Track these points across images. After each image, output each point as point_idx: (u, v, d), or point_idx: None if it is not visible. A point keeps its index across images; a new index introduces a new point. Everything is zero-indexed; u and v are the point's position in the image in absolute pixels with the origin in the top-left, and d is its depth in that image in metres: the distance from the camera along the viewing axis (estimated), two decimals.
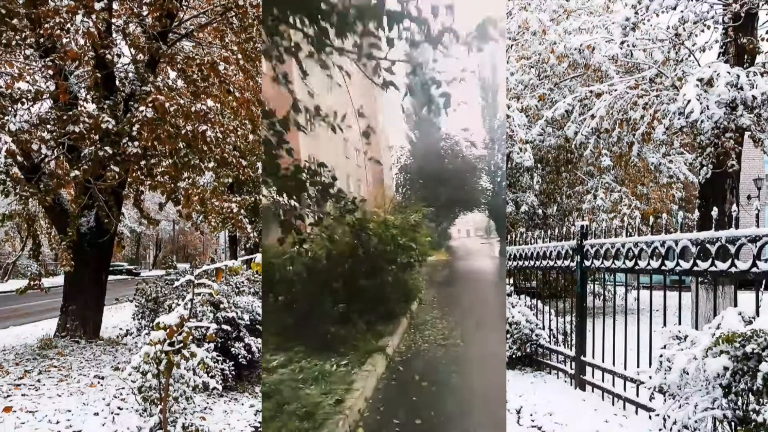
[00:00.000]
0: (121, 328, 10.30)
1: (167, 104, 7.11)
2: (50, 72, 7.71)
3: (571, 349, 6.70)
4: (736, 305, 4.44)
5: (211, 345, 5.51)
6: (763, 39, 9.26)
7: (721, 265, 4.23)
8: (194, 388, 4.15)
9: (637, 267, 5.23)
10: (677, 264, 4.70)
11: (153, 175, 8.22)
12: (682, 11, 8.76)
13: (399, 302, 7.10)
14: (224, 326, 6.33)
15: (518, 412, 5.51)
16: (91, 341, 9.26)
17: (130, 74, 8.94)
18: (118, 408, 5.46)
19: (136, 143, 7.60)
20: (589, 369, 6.19)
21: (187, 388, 4.09)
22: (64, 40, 7.00)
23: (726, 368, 3.29)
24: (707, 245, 4.34)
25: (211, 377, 4.44)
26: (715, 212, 4.56)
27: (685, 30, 9.21)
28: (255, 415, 5.63)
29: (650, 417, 4.57)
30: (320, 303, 5.69)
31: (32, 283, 8.59)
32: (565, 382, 6.65)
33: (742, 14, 8.51)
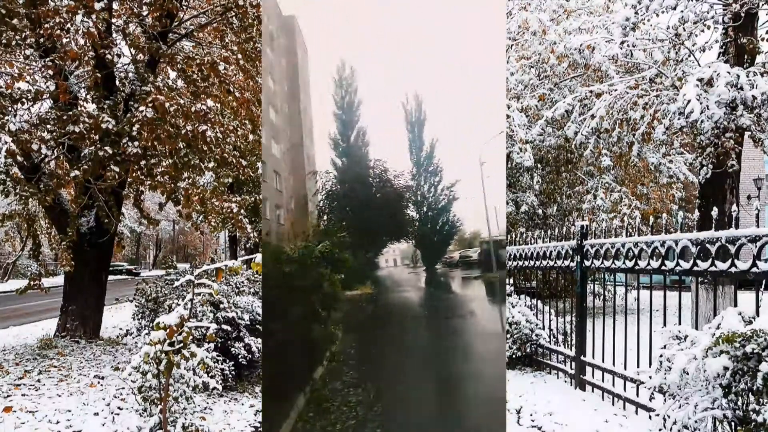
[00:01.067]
0: (121, 328, 10.30)
1: (167, 104, 7.11)
2: (50, 72, 7.71)
3: (571, 349, 6.70)
4: (736, 305, 4.44)
5: (211, 345, 5.50)
6: (763, 39, 9.25)
7: (721, 265, 4.23)
8: (194, 388, 4.15)
9: (637, 267, 5.23)
10: (677, 264, 4.70)
11: (153, 175, 8.22)
12: (682, 11, 8.75)
13: (291, 377, 4.84)
14: (224, 326, 6.33)
15: (518, 412, 5.51)
16: (91, 341, 9.26)
17: (130, 74, 8.94)
18: (118, 408, 5.46)
19: (136, 143, 7.60)
20: (589, 369, 6.19)
21: (187, 388, 4.09)
22: (64, 40, 7.00)
23: (726, 368, 3.29)
24: (707, 245, 4.34)
25: (211, 377, 4.44)
26: (715, 212, 4.56)
27: (685, 30, 9.20)
28: (255, 415, 5.63)
29: (650, 417, 4.57)
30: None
31: (32, 283, 8.60)
32: (565, 382, 6.65)
33: (742, 14, 8.50)
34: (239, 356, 6.44)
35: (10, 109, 7.18)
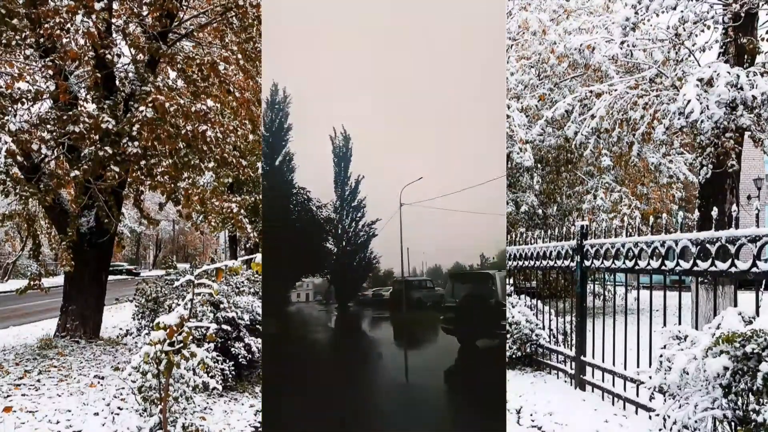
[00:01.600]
0: (121, 328, 10.30)
1: (167, 104, 7.11)
2: (50, 72, 7.72)
3: (571, 349, 6.70)
4: (736, 305, 4.44)
5: (211, 345, 5.50)
6: (763, 39, 9.25)
7: (721, 265, 4.23)
8: (194, 388, 4.15)
9: (637, 267, 5.23)
10: (677, 264, 4.70)
11: (153, 175, 8.22)
12: (682, 11, 8.76)
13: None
14: (224, 326, 6.33)
15: (518, 412, 5.51)
16: (91, 341, 9.26)
17: (130, 74, 8.94)
18: (118, 408, 5.46)
19: (136, 143, 7.60)
20: (589, 369, 6.19)
21: (187, 388, 4.09)
22: (64, 40, 7.00)
23: (726, 368, 3.29)
24: (707, 245, 4.34)
25: (211, 377, 4.44)
26: (715, 212, 4.56)
27: (685, 30, 9.21)
28: (255, 415, 5.63)
29: (650, 417, 4.57)
30: None
31: (32, 283, 8.60)
32: (565, 382, 6.65)
33: (742, 14, 8.51)
34: (239, 356, 6.44)
35: (10, 109, 7.18)
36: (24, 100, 7.26)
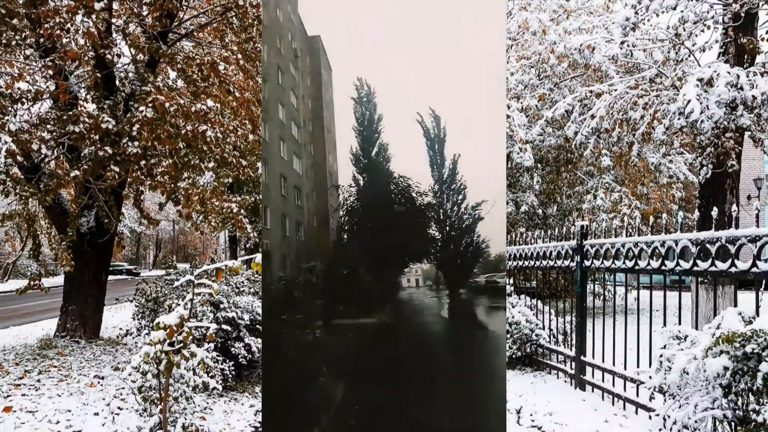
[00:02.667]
0: (121, 328, 10.30)
1: (167, 104, 7.11)
2: (50, 72, 7.71)
3: (571, 349, 6.70)
4: (736, 305, 4.44)
5: (211, 345, 5.51)
6: (763, 39, 9.25)
7: (721, 265, 4.23)
8: (194, 388, 4.15)
9: (637, 267, 5.23)
10: (677, 264, 4.70)
11: (153, 175, 8.22)
12: (682, 11, 8.76)
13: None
14: (224, 326, 6.34)
15: (518, 412, 5.51)
16: (91, 341, 9.26)
17: (130, 74, 8.94)
18: (118, 408, 5.46)
19: (136, 143, 7.59)
20: (589, 369, 6.19)
21: (187, 388, 4.10)
22: (64, 40, 7.00)
23: (726, 368, 3.29)
24: (707, 245, 4.34)
25: (211, 377, 4.45)
26: (715, 212, 4.56)
27: (685, 30, 9.21)
28: (255, 415, 5.63)
29: (650, 417, 4.58)
30: None
31: (32, 283, 8.60)
32: (565, 382, 6.65)
33: (742, 14, 8.51)
34: (239, 356, 6.44)
35: (10, 109, 7.18)
36: (24, 100, 7.25)
